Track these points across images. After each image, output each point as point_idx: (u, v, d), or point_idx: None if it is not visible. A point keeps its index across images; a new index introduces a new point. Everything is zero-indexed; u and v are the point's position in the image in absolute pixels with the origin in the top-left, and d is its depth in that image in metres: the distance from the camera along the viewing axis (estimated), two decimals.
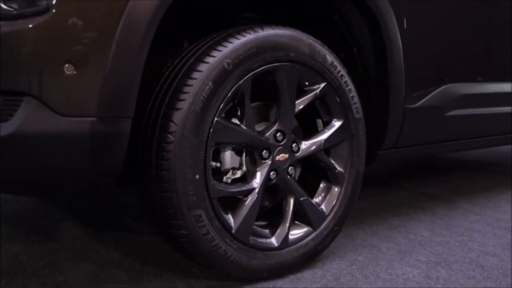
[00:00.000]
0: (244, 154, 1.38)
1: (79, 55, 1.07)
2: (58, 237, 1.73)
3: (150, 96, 1.27)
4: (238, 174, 1.39)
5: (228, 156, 1.35)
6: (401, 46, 1.61)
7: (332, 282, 1.41)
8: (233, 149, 1.36)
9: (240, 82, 1.28)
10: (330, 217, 1.51)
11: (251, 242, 1.36)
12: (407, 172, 3.10)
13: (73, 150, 1.11)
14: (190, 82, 1.22)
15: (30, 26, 1.03)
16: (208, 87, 1.22)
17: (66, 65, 1.06)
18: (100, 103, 1.10)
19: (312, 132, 1.52)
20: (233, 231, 1.32)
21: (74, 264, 1.50)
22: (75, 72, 1.07)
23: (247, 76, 1.29)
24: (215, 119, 1.25)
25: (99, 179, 1.18)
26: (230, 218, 1.33)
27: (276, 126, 1.39)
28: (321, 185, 1.54)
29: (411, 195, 2.42)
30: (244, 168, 1.39)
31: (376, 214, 2.06)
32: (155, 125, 1.22)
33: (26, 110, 1.05)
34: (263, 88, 1.39)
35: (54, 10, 1.04)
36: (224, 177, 1.37)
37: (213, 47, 1.26)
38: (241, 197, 1.35)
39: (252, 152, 1.37)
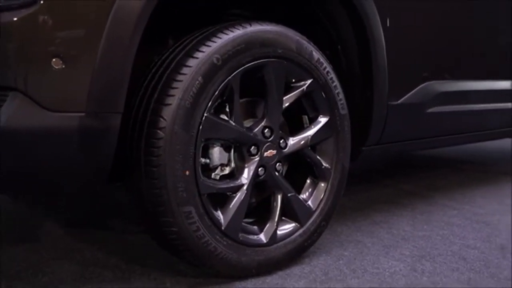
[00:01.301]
0: (232, 151, 1.38)
1: (68, 49, 1.04)
2: (38, 237, 1.69)
3: (138, 92, 1.26)
4: (227, 170, 1.38)
5: (217, 152, 1.34)
6: (384, 44, 1.63)
7: (320, 277, 1.41)
8: (221, 145, 1.35)
9: (229, 77, 1.28)
10: (317, 213, 1.52)
11: (241, 238, 1.35)
12: (387, 169, 3.15)
13: (61, 146, 1.08)
14: (180, 77, 1.21)
15: (17, 18, 1.00)
16: (198, 82, 1.22)
17: (54, 59, 1.03)
18: (89, 98, 1.07)
19: (297, 128, 1.52)
20: (222, 228, 1.31)
21: (58, 265, 1.46)
22: (63, 66, 1.04)
23: (236, 72, 1.29)
24: (205, 114, 1.24)
25: (88, 176, 1.16)
26: (219, 214, 1.32)
27: (264, 122, 1.39)
28: (308, 181, 1.55)
29: (391, 192, 2.46)
30: (233, 165, 1.38)
31: (358, 211, 2.09)
32: (144, 121, 1.20)
33: (12, 105, 1.02)
34: (249, 85, 1.38)
35: (41, 2, 1.01)
36: (213, 174, 1.36)
37: (202, 42, 1.25)
38: (230, 193, 1.35)
39: (241, 148, 1.37)
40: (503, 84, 2.25)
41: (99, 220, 1.95)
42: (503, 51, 2.23)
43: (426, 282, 1.40)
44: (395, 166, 3.28)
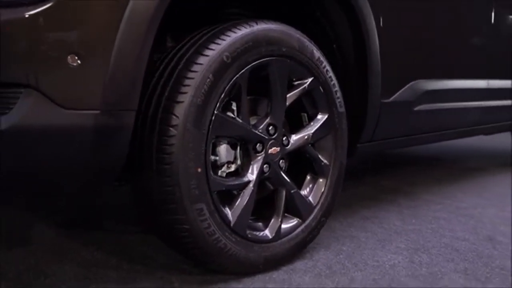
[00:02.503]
0: (238, 148, 1.39)
1: (84, 45, 1.03)
2: (34, 239, 1.65)
3: (146, 89, 1.25)
4: (233, 168, 1.39)
5: (224, 150, 1.35)
6: (378, 43, 1.68)
7: (325, 271, 1.44)
8: (228, 143, 1.36)
9: (238, 75, 1.29)
10: (317, 208, 1.54)
11: (248, 235, 1.36)
12: (367, 167, 3.23)
13: (75, 144, 1.06)
14: (191, 75, 1.21)
15: (31, 14, 0.98)
16: (208, 80, 1.22)
17: (70, 56, 1.02)
18: (104, 96, 1.06)
19: (296, 126, 1.55)
20: (231, 225, 1.32)
21: (58, 266, 1.43)
22: (79, 63, 1.03)
23: (244, 70, 1.30)
24: (215, 112, 1.25)
25: (101, 174, 1.14)
26: (228, 211, 1.33)
27: (268, 119, 1.41)
28: (308, 177, 1.57)
29: (375, 188, 2.53)
30: (239, 162, 1.39)
31: (347, 207, 2.13)
32: (155, 118, 1.20)
33: (26, 102, 1.00)
34: (252, 83, 1.39)
35: None
36: (219, 171, 1.36)
37: (211, 40, 1.26)
38: (237, 190, 1.36)
39: (246, 145, 1.38)
40: (481, 83, 2.35)
41: (97, 221, 1.92)
42: (486, 51, 2.33)
43: (426, 272, 1.45)
44: (374, 164, 3.36)
